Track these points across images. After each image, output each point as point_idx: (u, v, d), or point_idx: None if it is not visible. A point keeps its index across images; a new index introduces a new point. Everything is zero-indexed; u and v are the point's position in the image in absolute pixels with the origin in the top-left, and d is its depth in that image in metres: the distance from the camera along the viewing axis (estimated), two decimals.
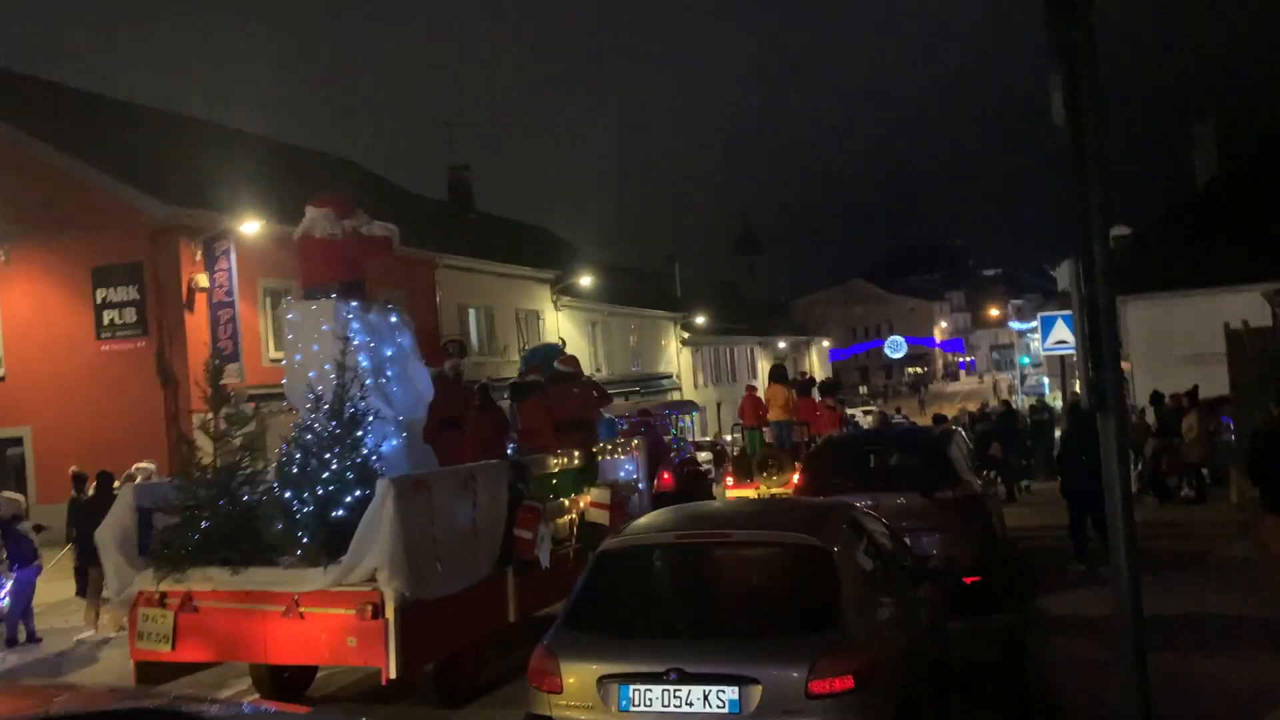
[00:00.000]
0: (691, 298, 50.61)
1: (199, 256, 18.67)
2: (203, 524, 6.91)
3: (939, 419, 20.06)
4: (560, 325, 32.77)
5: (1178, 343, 28.06)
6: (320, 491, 6.75)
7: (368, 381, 7.55)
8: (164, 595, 6.94)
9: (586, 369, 34.49)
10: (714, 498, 14.76)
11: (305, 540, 6.67)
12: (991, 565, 9.61)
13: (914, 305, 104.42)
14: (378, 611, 6.50)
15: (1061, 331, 13.53)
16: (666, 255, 55.38)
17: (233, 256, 18.61)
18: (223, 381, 7.42)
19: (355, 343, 7.55)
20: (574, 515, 9.42)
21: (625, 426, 14.69)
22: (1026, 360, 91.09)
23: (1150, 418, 19.56)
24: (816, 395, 21.57)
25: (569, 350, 13.03)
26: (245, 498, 7.04)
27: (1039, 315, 14.40)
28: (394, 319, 8.09)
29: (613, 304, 37.18)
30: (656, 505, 10.87)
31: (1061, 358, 15.19)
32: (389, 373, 7.91)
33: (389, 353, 7.93)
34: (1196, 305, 29.12)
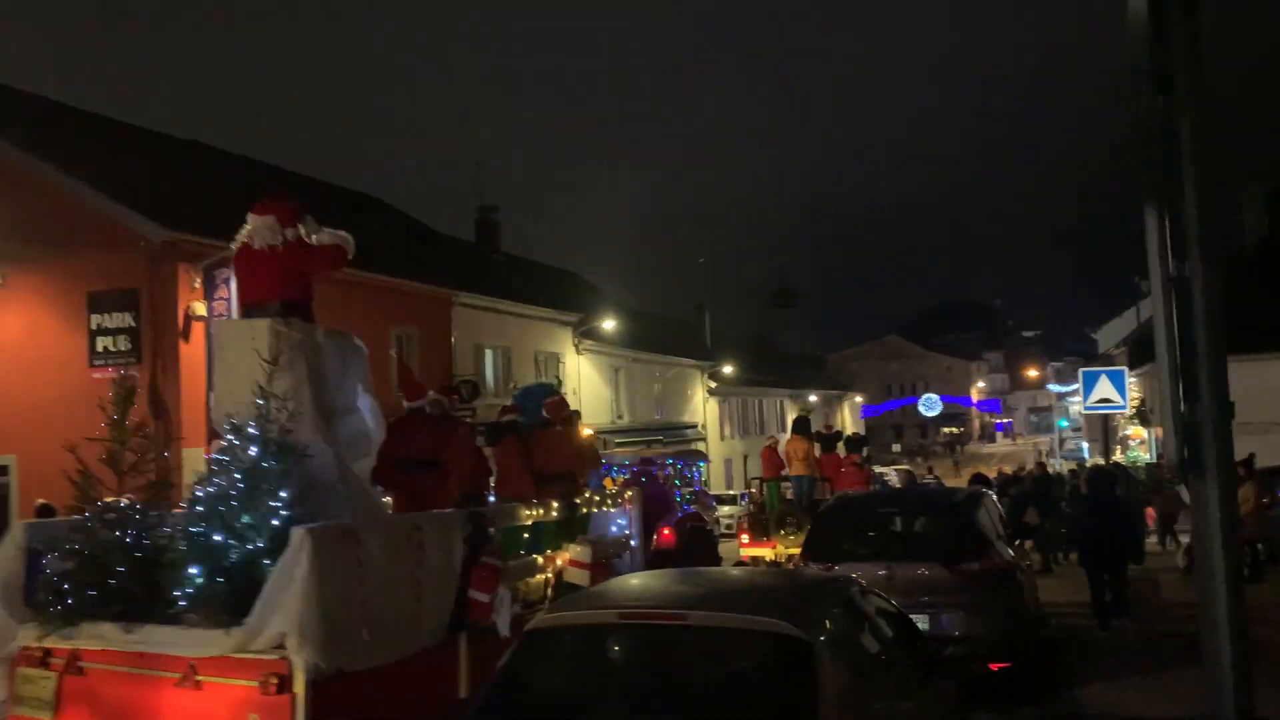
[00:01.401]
0: (721, 347, 49.60)
1: (198, 284, 17.99)
2: (98, 571, 5.93)
3: (979, 479, 18.76)
4: (581, 370, 31.87)
5: None
6: (229, 539, 5.77)
7: (304, 413, 6.60)
8: (47, 653, 5.95)
9: (607, 416, 33.65)
10: (720, 558, 13.61)
11: (207, 596, 5.66)
12: (1022, 648, 8.44)
13: (951, 364, 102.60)
14: (284, 685, 5.46)
15: (1105, 389, 12.35)
16: (696, 304, 54.46)
17: (233, 285, 17.82)
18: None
19: (293, 369, 6.61)
20: (549, 575, 8.39)
21: (625, 475, 13.59)
22: (1065, 423, 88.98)
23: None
24: (842, 450, 20.47)
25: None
26: (147, 542, 6.06)
27: (1081, 371, 13.22)
28: (342, 343, 7.15)
29: (637, 350, 36.25)
30: (652, 565, 9.82)
31: (1104, 418, 13.95)
32: (333, 405, 6.96)
33: (334, 383, 6.99)
34: (1248, 370, 27.70)
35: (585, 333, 31.83)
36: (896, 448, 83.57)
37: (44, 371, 18.02)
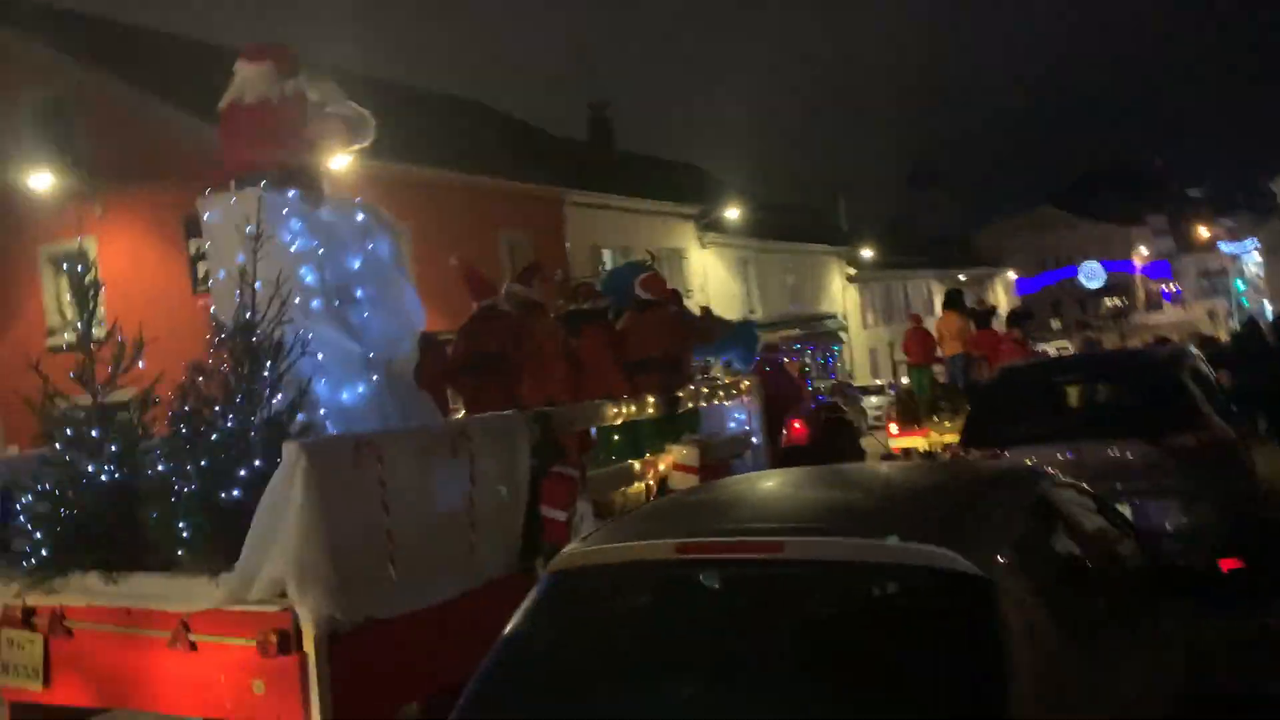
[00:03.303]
0: (859, 232, 46.86)
1: None
2: (74, 511, 4.82)
3: (1162, 343, 16.37)
4: (707, 264, 30.23)
5: None
6: (210, 463, 4.55)
7: (314, 304, 5.33)
8: (30, 612, 4.93)
9: (738, 311, 32.17)
10: (864, 452, 11.98)
11: (189, 536, 4.48)
12: (1260, 540, 6.61)
13: (1110, 231, 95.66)
14: (288, 643, 4.26)
15: None
16: (830, 188, 51.65)
17: None
18: None
19: (295, 248, 5.33)
20: (651, 482, 7.00)
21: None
22: (1242, 285, 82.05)
23: None
24: (1001, 327, 18.52)
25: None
26: (126, 472, 4.91)
27: None
28: (361, 218, 5.81)
29: (767, 240, 34.23)
30: (783, 465, 8.33)
31: None
32: (356, 292, 5.66)
33: (355, 265, 5.67)
34: None
35: (709, 225, 30.06)
36: (1056, 323, 78.68)
37: (148, 302, 17.60)
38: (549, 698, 2.64)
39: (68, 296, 5.25)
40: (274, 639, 4.24)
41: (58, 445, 4.99)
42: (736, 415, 8.48)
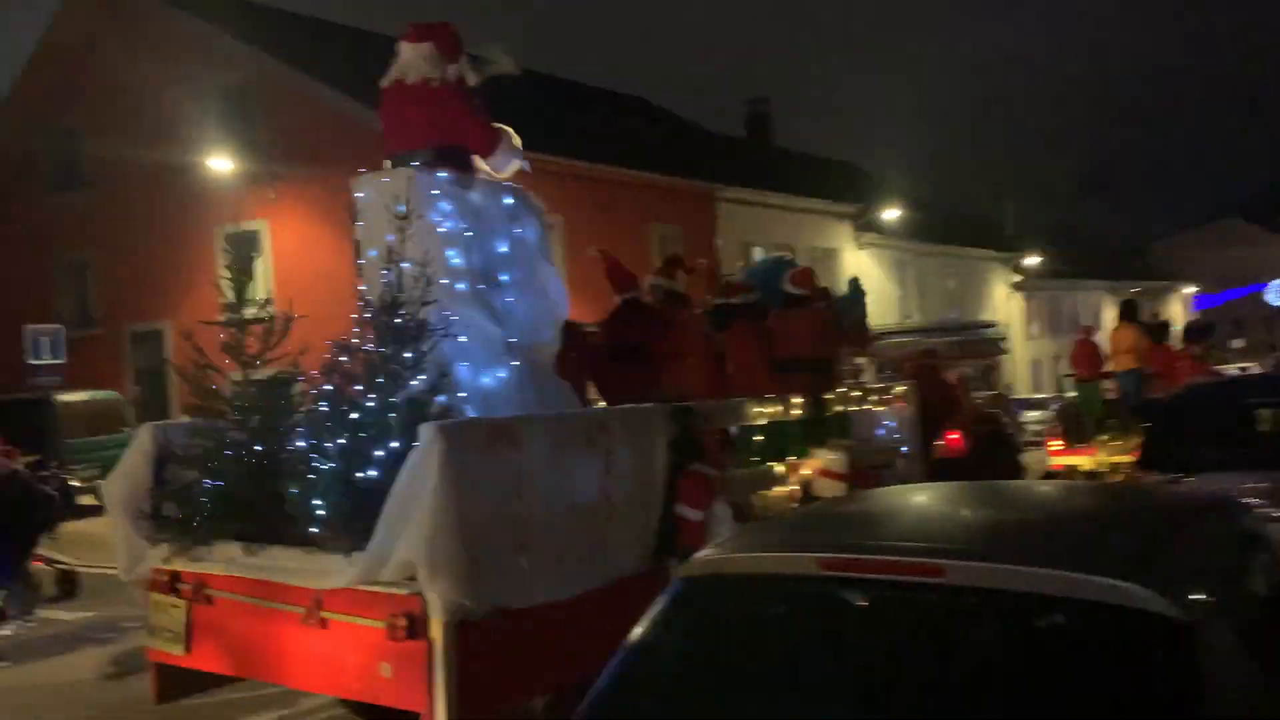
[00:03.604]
0: (1025, 239, 44.85)
1: None
2: (218, 481, 4.91)
3: None
4: (863, 266, 29.42)
5: None
6: (349, 441, 4.53)
7: (460, 286, 5.28)
8: (176, 577, 5.05)
9: (894, 315, 31.09)
10: (1024, 471, 11.32)
11: (325, 513, 4.47)
12: None
13: None
14: (416, 628, 4.20)
15: None
16: (995, 192, 49.66)
17: None
18: None
19: (444, 229, 5.29)
20: (795, 487, 6.72)
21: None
22: None
23: None
24: (1178, 343, 17.37)
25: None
26: (272, 447, 4.96)
27: None
28: (510, 203, 5.73)
29: (926, 242, 33.11)
30: (935, 477, 7.92)
31: None
32: (501, 276, 5.59)
33: (501, 249, 5.61)
34: None
35: (866, 225, 29.26)
36: (1238, 343, 73.56)
37: (315, 282, 18.29)
38: (673, 708, 2.44)
39: (225, 273, 5.36)
40: (403, 622, 4.19)
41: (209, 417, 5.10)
42: (888, 422, 8.10)
